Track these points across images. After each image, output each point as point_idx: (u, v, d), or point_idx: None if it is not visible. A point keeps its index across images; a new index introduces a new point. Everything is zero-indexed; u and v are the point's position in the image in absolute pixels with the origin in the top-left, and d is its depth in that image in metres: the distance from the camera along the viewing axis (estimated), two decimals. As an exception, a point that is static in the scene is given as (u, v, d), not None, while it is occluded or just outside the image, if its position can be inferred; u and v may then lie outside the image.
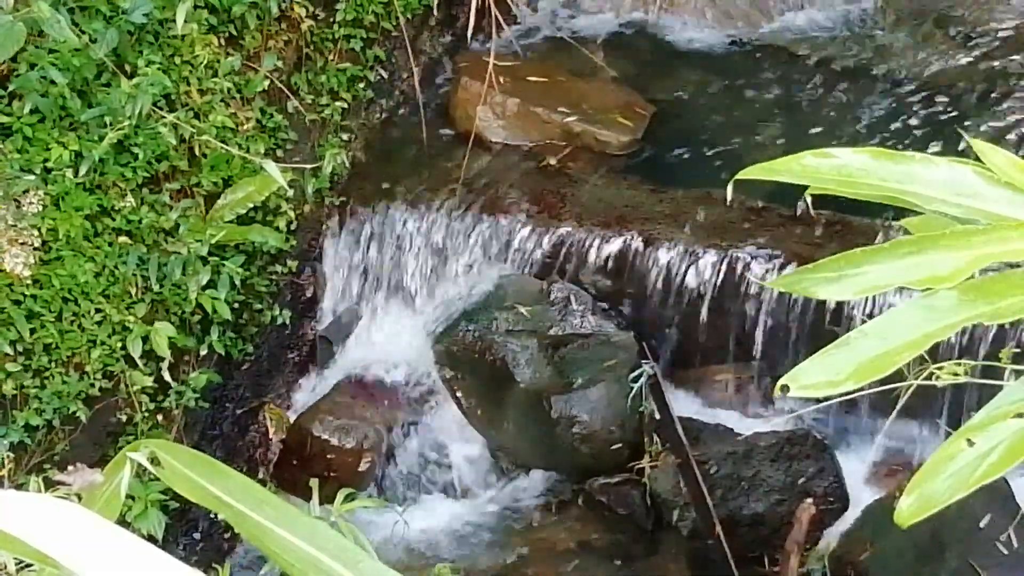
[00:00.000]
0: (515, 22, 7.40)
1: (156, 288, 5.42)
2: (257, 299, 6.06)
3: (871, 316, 5.21)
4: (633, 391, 5.98)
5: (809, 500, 5.75)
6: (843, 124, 6.95)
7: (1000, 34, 7.46)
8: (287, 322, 6.21)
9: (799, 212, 6.02)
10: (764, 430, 6.11)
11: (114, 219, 5.34)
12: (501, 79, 6.66)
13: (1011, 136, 6.76)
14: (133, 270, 5.36)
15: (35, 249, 5.03)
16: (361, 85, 6.60)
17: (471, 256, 6.40)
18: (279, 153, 6.04)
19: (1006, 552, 5.35)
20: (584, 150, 6.76)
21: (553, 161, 6.67)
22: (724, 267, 6.10)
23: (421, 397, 6.45)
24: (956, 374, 2.03)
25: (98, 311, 5.26)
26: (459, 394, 6.33)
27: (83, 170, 5.10)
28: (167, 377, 5.43)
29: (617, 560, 6.08)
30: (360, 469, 6.23)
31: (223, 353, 5.85)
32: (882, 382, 1.44)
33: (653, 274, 6.19)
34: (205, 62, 5.62)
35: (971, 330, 5.57)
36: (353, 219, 6.47)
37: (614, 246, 6.24)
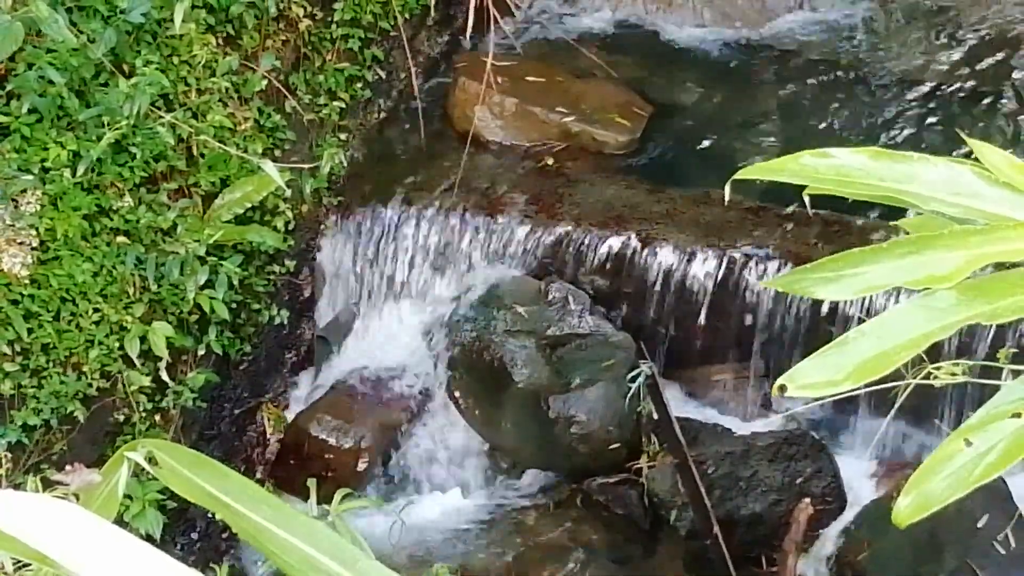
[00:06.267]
0: (513, 22, 7.40)
1: (154, 288, 5.42)
2: (255, 299, 6.06)
3: (868, 315, 5.21)
4: (631, 391, 5.98)
5: (807, 500, 5.75)
6: (841, 124, 6.95)
7: (999, 34, 7.46)
8: (285, 322, 6.20)
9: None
10: (762, 430, 6.12)
11: (112, 219, 5.34)
12: (499, 79, 6.66)
13: (1010, 136, 6.76)
14: (131, 270, 5.35)
15: (33, 249, 5.03)
16: (359, 85, 6.60)
17: (469, 256, 6.40)
18: (277, 153, 6.04)
19: (1004, 552, 5.36)
20: (582, 150, 6.76)
21: (551, 161, 6.67)
22: (722, 267, 6.10)
23: (419, 397, 6.45)
24: (954, 374, 2.03)
25: (96, 311, 5.26)
26: (457, 394, 6.33)
27: (81, 170, 5.09)
28: (165, 377, 5.43)
29: (615, 560, 6.08)
30: (358, 469, 6.23)
31: (221, 353, 5.84)
32: (880, 382, 1.44)
33: (651, 274, 6.19)
34: (203, 62, 5.61)
35: (968, 330, 5.58)
36: (351, 219, 6.47)
37: (612, 246, 6.24)
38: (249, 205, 5.72)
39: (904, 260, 1.44)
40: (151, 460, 1.38)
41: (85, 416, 5.22)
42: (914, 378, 1.99)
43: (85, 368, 5.25)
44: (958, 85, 7.14)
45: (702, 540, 5.85)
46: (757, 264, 6.06)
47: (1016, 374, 1.53)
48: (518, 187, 6.52)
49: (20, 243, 4.98)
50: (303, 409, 6.42)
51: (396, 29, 6.76)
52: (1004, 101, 7.02)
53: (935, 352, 1.57)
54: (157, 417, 5.57)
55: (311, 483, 3.83)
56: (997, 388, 1.48)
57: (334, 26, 6.44)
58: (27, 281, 5.05)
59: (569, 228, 6.30)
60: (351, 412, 6.32)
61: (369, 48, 6.63)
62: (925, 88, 7.13)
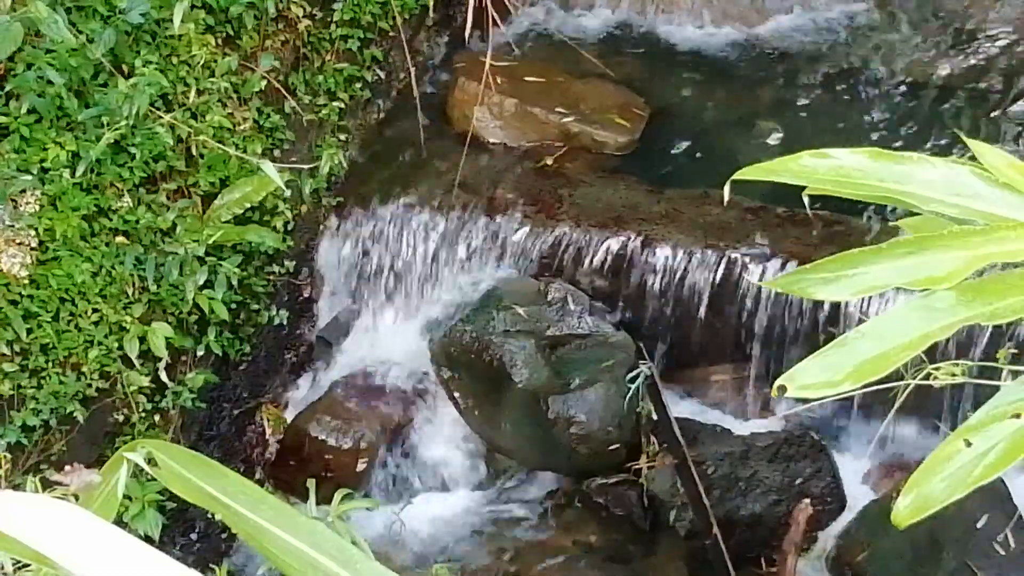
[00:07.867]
0: (512, 22, 7.40)
1: (153, 288, 5.42)
2: (254, 299, 6.06)
3: (867, 315, 5.21)
4: (630, 391, 5.98)
5: (806, 501, 5.75)
6: (841, 124, 6.95)
7: (999, 34, 7.46)
8: (284, 322, 6.21)
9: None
10: (761, 430, 6.12)
11: (111, 219, 5.34)
12: (498, 79, 6.66)
13: (1009, 137, 6.76)
14: (130, 270, 5.36)
15: (32, 249, 5.03)
16: (358, 85, 6.60)
17: (468, 256, 6.40)
18: (276, 153, 6.04)
19: (1003, 553, 5.36)
20: (581, 150, 6.76)
21: (550, 161, 6.67)
22: (722, 267, 6.10)
23: (418, 397, 6.45)
24: (953, 374, 2.03)
25: (95, 311, 5.26)
26: (456, 394, 6.33)
27: (80, 170, 5.09)
28: (164, 377, 5.43)
29: (614, 560, 6.08)
30: (357, 469, 6.23)
31: (220, 353, 5.85)
32: (880, 382, 1.44)
33: (651, 274, 6.19)
34: (202, 62, 5.61)
35: (968, 330, 5.58)
36: (350, 219, 6.47)
37: (611, 246, 6.24)
38: (248, 205, 5.72)
39: (904, 260, 1.44)
40: (150, 461, 1.38)
41: (84, 416, 5.22)
42: (913, 378, 1.99)
43: (84, 368, 5.25)
44: (958, 85, 7.14)
45: (701, 540, 5.85)
46: (757, 264, 6.06)
47: (1016, 375, 1.53)
48: (517, 187, 6.52)
49: (19, 243, 4.98)
50: (303, 410, 6.42)
51: (395, 29, 6.76)
52: (1004, 101, 7.02)
53: (934, 352, 1.57)
54: (156, 418, 5.57)
55: (311, 483, 3.84)
56: (997, 387, 1.48)
57: (333, 26, 6.44)
58: (26, 281, 5.05)
59: (568, 228, 6.30)
60: (351, 412, 6.33)
61: (368, 48, 6.63)
62: (925, 88, 7.13)
